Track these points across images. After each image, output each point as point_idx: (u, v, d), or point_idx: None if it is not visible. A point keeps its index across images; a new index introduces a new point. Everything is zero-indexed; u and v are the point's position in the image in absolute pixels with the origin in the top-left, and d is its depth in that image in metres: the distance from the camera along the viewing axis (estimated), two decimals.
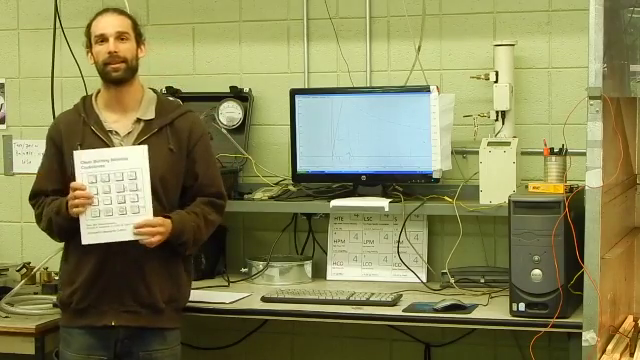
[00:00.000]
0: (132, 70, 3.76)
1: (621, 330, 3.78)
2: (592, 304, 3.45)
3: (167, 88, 4.74)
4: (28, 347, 4.06)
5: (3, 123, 5.09)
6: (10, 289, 4.44)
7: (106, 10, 3.83)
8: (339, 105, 4.45)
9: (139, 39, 3.81)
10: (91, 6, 4.78)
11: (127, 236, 3.63)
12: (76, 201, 3.61)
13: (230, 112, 4.69)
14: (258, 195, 4.56)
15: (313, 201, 4.49)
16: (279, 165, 4.68)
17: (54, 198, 3.74)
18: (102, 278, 3.70)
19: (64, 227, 3.70)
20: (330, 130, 4.46)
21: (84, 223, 3.63)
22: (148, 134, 3.74)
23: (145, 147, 3.65)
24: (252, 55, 4.77)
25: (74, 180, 3.65)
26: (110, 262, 3.68)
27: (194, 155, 3.81)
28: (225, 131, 4.66)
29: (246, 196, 4.58)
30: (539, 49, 4.39)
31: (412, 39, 4.48)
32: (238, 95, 4.70)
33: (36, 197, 3.82)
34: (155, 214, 3.66)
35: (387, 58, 4.60)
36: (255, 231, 4.78)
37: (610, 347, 3.60)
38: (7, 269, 4.75)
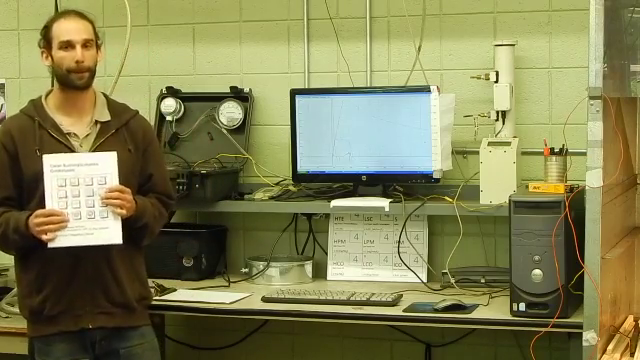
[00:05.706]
0: (93, 76, 3.73)
1: (621, 330, 3.77)
2: (592, 304, 3.45)
3: (167, 88, 4.74)
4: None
5: None
6: (10, 289, 4.43)
7: (68, 13, 3.75)
8: (339, 105, 4.45)
9: (97, 44, 3.74)
10: (91, 6, 4.77)
11: (93, 240, 3.60)
12: (50, 226, 3.54)
13: (230, 112, 4.69)
14: (258, 195, 4.56)
15: (313, 201, 4.49)
16: (279, 165, 4.68)
17: (6, 210, 3.65)
18: (75, 282, 3.66)
19: (20, 244, 3.64)
20: (330, 130, 4.46)
21: None
22: (106, 135, 3.71)
23: (114, 153, 3.62)
24: (252, 55, 4.76)
25: (41, 183, 3.56)
26: (82, 265, 3.65)
27: (148, 155, 3.80)
28: (225, 131, 4.67)
29: (246, 196, 4.58)
30: (539, 49, 4.39)
31: (412, 39, 4.48)
32: (238, 95, 4.70)
33: None
34: None
35: (387, 58, 4.60)
36: (255, 231, 4.78)
37: (610, 347, 3.59)
38: (7, 269, 4.74)
